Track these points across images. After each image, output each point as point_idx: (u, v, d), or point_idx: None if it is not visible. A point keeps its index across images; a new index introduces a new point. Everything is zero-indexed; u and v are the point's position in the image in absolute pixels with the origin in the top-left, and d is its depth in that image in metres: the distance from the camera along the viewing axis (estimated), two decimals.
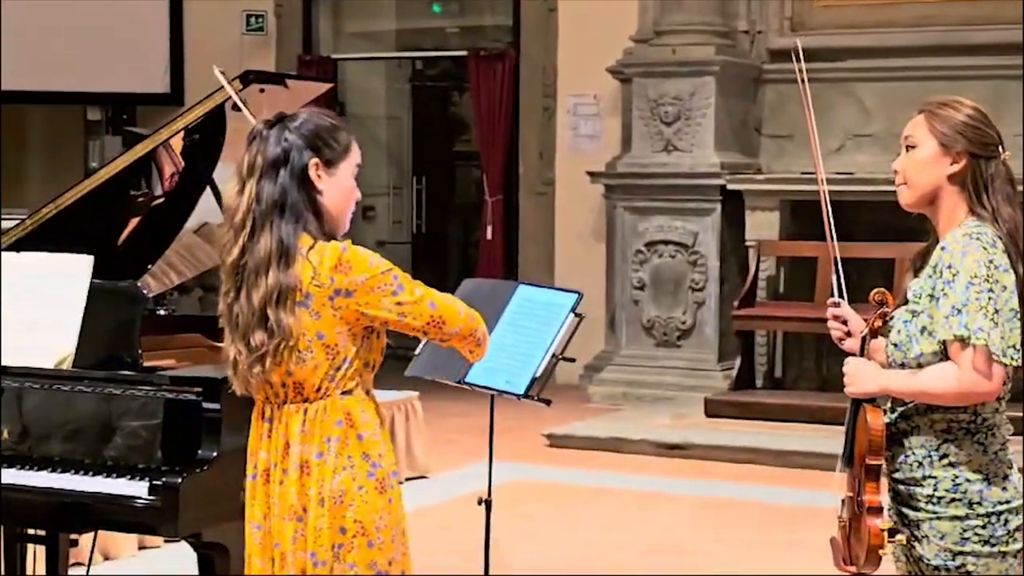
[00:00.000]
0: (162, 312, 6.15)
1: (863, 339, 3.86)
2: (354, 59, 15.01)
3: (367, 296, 3.59)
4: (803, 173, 11.10)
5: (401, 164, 15.75)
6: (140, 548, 7.15)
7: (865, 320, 3.89)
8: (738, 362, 11.33)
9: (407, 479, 8.93)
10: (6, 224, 5.36)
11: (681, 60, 11.78)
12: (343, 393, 3.66)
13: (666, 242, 11.81)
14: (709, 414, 10.74)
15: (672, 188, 11.76)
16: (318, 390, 3.64)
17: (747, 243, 11.59)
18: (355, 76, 15.20)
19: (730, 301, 11.41)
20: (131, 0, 14.44)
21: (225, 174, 5.31)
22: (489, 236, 13.59)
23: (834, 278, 4.04)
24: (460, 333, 3.72)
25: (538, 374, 4.69)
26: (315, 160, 3.68)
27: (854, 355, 3.86)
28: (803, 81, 4.22)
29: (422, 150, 15.84)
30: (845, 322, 3.97)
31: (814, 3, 12.07)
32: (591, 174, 12.38)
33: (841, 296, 4.01)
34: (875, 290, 3.85)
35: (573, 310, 4.75)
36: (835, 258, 4.06)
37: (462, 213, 15.97)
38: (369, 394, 3.74)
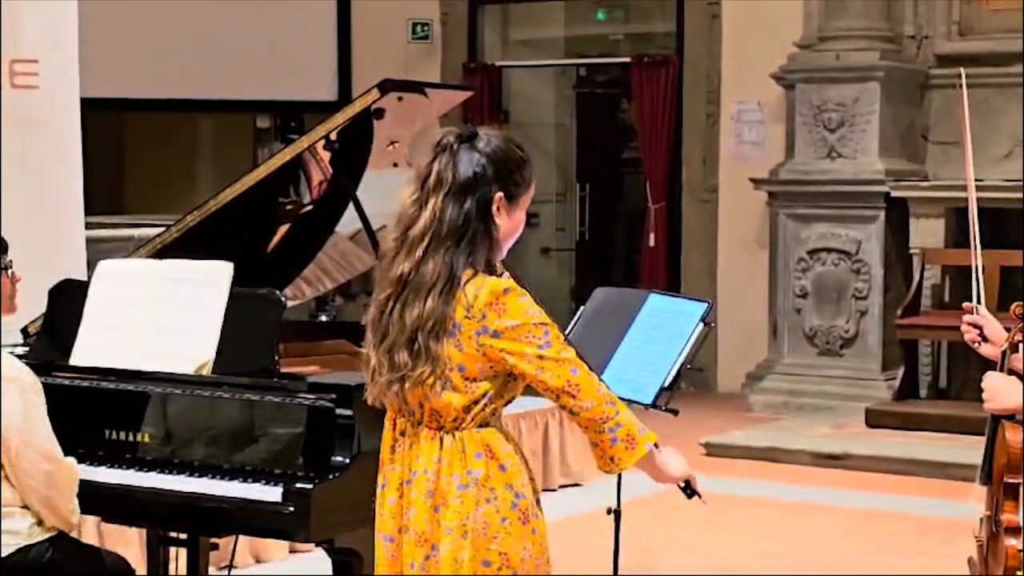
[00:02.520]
0: (324, 318, 6.24)
1: (1003, 353, 3.79)
2: (519, 66, 15.04)
3: (512, 343, 3.51)
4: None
5: (566, 171, 15.73)
6: (291, 552, 7.22)
7: (1008, 330, 3.82)
8: (901, 372, 11.14)
9: (560, 487, 8.94)
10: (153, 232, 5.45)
11: (845, 66, 11.65)
12: (480, 426, 3.60)
13: (829, 250, 11.68)
14: (870, 424, 10.57)
15: (835, 195, 11.62)
16: (454, 420, 3.59)
17: (911, 251, 11.40)
18: (520, 83, 15.23)
19: (894, 310, 11.21)
20: (299, 8, 14.63)
21: (372, 182, 5.36)
22: (652, 243, 13.54)
23: (975, 283, 4.00)
24: (590, 411, 3.58)
25: (667, 384, 4.66)
26: (500, 194, 3.60)
27: (993, 362, 3.80)
28: (962, 86, 4.16)
29: (587, 157, 15.80)
30: (980, 328, 3.92)
31: (983, 7, 11.83)
32: (754, 181, 12.26)
33: (979, 302, 3.97)
34: (1016, 304, 3.78)
35: (703, 319, 4.71)
36: (976, 266, 4.02)
37: (626, 220, 15.89)
38: (501, 424, 3.68)
